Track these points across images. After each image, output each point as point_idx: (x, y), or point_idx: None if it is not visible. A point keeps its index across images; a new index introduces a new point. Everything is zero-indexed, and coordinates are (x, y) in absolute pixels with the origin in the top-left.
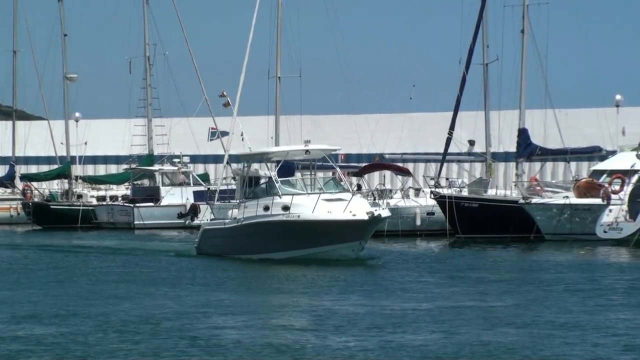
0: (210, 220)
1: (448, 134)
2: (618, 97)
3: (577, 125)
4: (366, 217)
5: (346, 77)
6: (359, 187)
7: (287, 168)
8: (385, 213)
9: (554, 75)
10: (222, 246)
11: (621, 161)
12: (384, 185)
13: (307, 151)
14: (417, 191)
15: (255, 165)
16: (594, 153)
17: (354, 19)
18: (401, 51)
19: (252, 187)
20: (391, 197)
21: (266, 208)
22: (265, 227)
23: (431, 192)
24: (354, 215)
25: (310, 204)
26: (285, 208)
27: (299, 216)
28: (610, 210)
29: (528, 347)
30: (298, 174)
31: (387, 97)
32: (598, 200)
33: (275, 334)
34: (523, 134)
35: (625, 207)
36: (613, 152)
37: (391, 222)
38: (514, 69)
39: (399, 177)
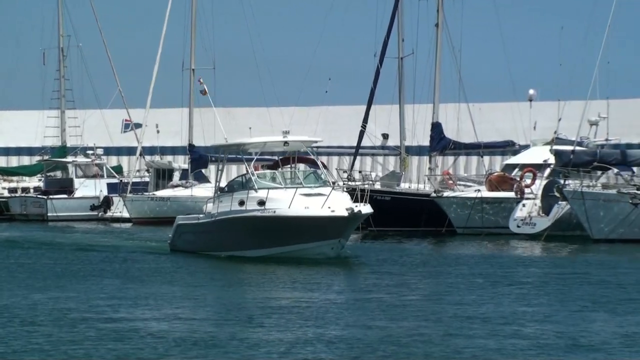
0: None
1: (361, 127)
2: (531, 91)
3: (491, 119)
4: (345, 214)
5: (261, 69)
6: None
7: (200, 160)
8: (366, 209)
9: (468, 69)
10: (195, 242)
11: (534, 155)
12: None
13: (285, 142)
14: (332, 184)
15: (168, 157)
16: (507, 147)
17: (270, 11)
18: (317, 44)
19: (165, 179)
20: None
21: (241, 203)
22: (239, 222)
23: (343, 185)
24: (332, 211)
25: (287, 199)
26: (261, 203)
27: (274, 212)
28: (524, 205)
29: (419, 339)
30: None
31: (303, 90)
32: (510, 194)
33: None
34: (436, 127)
35: (538, 202)
36: (526, 147)
37: None
38: (429, 62)
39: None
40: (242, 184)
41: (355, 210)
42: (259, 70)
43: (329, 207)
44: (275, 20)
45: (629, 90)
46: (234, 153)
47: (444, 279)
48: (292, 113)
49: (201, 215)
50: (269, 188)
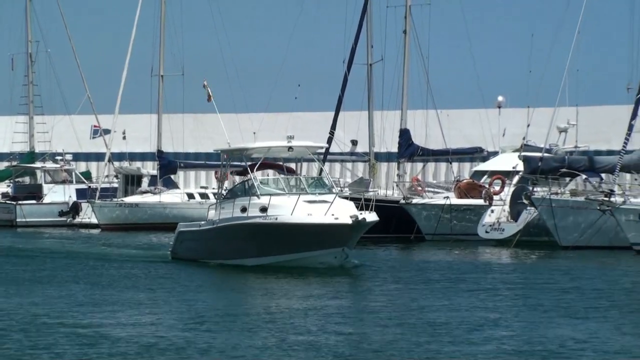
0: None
1: (330, 133)
2: (500, 98)
3: (459, 126)
4: (349, 222)
5: (230, 75)
6: None
7: (168, 166)
8: (371, 217)
9: (437, 76)
10: (197, 250)
11: (502, 162)
12: None
13: (290, 148)
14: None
15: (137, 163)
16: (475, 154)
17: (239, 17)
18: (286, 50)
19: (134, 185)
20: None
21: (243, 209)
22: (240, 230)
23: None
24: (336, 218)
25: (290, 206)
26: (263, 209)
27: (276, 218)
28: (492, 211)
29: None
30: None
31: (272, 96)
32: (479, 201)
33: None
34: (405, 134)
35: (507, 208)
36: (495, 153)
37: None
38: (397, 69)
39: (282, 176)
40: (244, 190)
41: (360, 218)
42: (228, 76)
43: (333, 215)
44: (245, 26)
45: (597, 98)
46: (237, 159)
47: (408, 285)
48: (261, 119)
49: (203, 222)
50: (271, 194)
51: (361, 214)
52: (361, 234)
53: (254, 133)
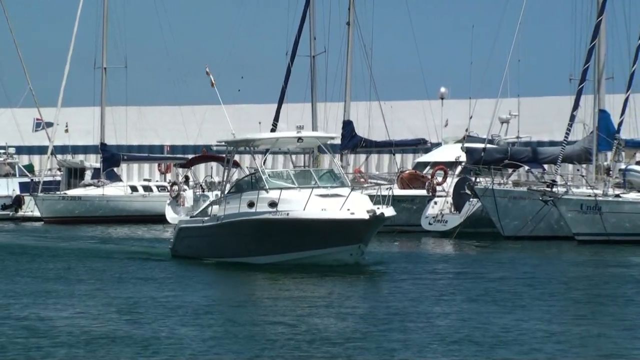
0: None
1: (272, 125)
2: (442, 89)
3: (403, 117)
4: (367, 217)
5: (173, 68)
6: (187, 178)
7: (111, 159)
8: (389, 212)
9: (380, 68)
10: (199, 248)
11: (445, 153)
12: (211, 177)
13: (299, 139)
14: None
15: (80, 156)
16: (418, 145)
17: (182, 8)
18: (230, 42)
19: (77, 178)
20: (219, 189)
21: (251, 204)
22: (249, 226)
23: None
24: (352, 213)
25: (301, 200)
26: (273, 204)
27: (287, 214)
28: (436, 203)
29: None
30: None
31: (215, 88)
32: (422, 192)
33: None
34: (348, 125)
35: (450, 199)
36: (438, 145)
37: None
38: (341, 61)
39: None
40: (251, 184)
41: (378, 212)
42: (171, 68)
43: (349, 209)
44: (188, 18)
45: (539, 88)
46: (243, 151)
47: (346, 278)
48: (204, 111)
49: (206, 218)
50: (281, 188)
51: (378, 208)
52: (377, 230)
53: (260, 123)
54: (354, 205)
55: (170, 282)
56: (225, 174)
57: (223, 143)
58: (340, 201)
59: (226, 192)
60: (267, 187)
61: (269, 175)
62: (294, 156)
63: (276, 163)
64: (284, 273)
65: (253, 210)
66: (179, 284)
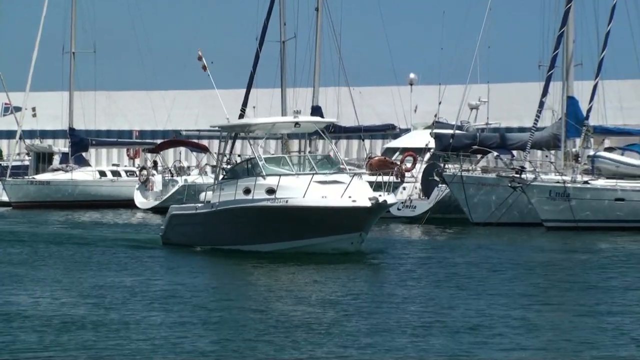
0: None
1: (241, 110)
2: (412, 75)
3: (372, 103)
4: (369, 204)
5: (142, 52)
6: (155, 163)
7: (80, 143)
8: (391, 199)
9: (350, 53)
10: (193, 235)
11: (414, 139)
12: (180, 161)
13: (296, 124)
14: (214, 167)
15: (48, 141)
16: (387, 131)
17: None
18: (200, 27)
19: (45, 163)
20: (188, 174)
21: (247, 191)
22: (246, 213)
23: (222, 169)
24: (354, 201)
25: (301, 187)
26: (271, 191)
27: (287, 201)
28: (404, 188)
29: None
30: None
31: (184, 73)
32: (391, 178)
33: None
34: (316, 111)
35: (418, 185)
36: (407, 130)
37: (188, 199)
38: (310, 46)
39: (194, 153)
40: (247, 170)
41: (380, 200)
42: (140, 53)
43: (350, 197)
44: (157, 2)
45: (509, 75)
46: (239, 137)
47: (309, 266)
48: (173, 96)
49: (199, 205)
50: (279, 175)
51: (380, 195)
52: (378, 217)
53: (254, 107)
54: (355, 193)
55: (170, 270)
56: (220, 159)
57: (217, 128)
58: (340, 188)
59: (220, 178)
60: (265, 173)
61: (265, 160)
62: (261, 141)
63: (245, 149)
64: (269, 260)
65: (250, 197)
66: (178, 273)
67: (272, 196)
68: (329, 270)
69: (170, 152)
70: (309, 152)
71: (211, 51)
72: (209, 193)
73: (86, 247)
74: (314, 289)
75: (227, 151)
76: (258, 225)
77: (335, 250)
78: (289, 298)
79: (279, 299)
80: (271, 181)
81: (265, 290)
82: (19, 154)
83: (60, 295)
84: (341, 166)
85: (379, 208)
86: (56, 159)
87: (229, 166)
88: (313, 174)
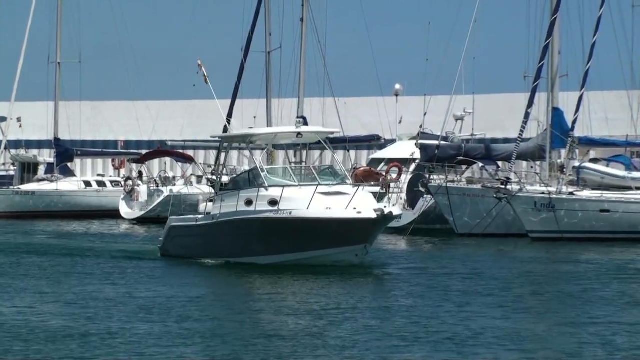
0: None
1: (226, 121)
2: (397, 86)
3: (357, 114)
4: (374, 216)
5: (128, 63)
6: (141, 174)
7: (65, 154)
8: (396, 210)
9: (335, 64)
10: (192, 247)
11: (399, 150)
12: (165, 172)
13: (299, 134)
14: (199, 178)
15: (33, 151)
16: (372, 142)
17: (137, 3)
18: (185, 37)
19: (30, 173)
20: (174, 184)
21: (249, 202)
22: (248, 225)
23: (207, 179)
24: (359, 212)
25: (304, 198)
26: (273, 202)
27: (290, 213)
28: (389, 199)
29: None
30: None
31: (170, 84)
32: (375, 189)
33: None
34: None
35: (403, 195)
36: (392, 141)
37: (173, 209)
38: (295, 57)
39: (180, 164)
40: (248, 181)
41: (386, 211)
42: (125, 63)
43: (355, 208)
44: (143, 12)
45: (494, 86)
46: (239, 147)
47: (295, 275)
48: (159, 107)
49: (199, 216)
50: (282, 186)
51: (385, 206)
52: (383, 229)
53: (254, 117)
54: (360, 204)
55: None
56: (218, 170)
57: (217, 138)
58: (344, 199)
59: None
60: (267, 184)
61: (267, 171)
62: (247, 152)
63: (231, 159)
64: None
65: (252, 208)
66: (180, 285)
67: (275, 207)
68: (307, 282)
69: (155, 163)
70: (297, 162)
71: (196, 62)
72: (210, 204)
73: (87, 259)
74: (299, 300)
75: (221, 162)
76: (261, 237)
77: (340, 262)
78: (276, 308)
79: (272, 310)
80: (274, 192)
81: (259, 301)
82: (4, 164)
83: (58, 308)
84: (344, 177)
85: (385, 219)
86: (41, 169)
87: (214, 177)
88: (317, 184)
